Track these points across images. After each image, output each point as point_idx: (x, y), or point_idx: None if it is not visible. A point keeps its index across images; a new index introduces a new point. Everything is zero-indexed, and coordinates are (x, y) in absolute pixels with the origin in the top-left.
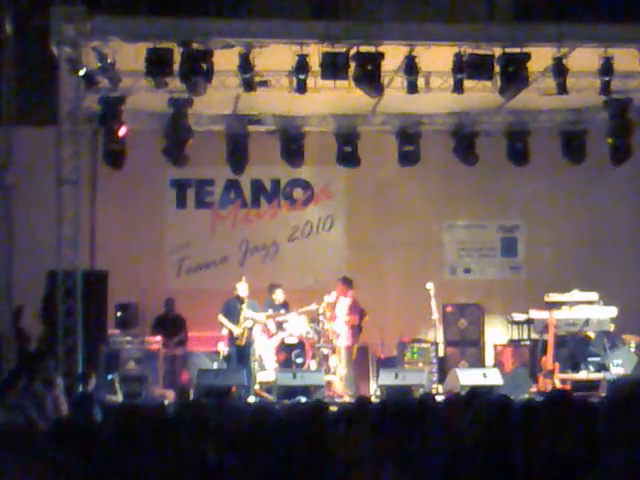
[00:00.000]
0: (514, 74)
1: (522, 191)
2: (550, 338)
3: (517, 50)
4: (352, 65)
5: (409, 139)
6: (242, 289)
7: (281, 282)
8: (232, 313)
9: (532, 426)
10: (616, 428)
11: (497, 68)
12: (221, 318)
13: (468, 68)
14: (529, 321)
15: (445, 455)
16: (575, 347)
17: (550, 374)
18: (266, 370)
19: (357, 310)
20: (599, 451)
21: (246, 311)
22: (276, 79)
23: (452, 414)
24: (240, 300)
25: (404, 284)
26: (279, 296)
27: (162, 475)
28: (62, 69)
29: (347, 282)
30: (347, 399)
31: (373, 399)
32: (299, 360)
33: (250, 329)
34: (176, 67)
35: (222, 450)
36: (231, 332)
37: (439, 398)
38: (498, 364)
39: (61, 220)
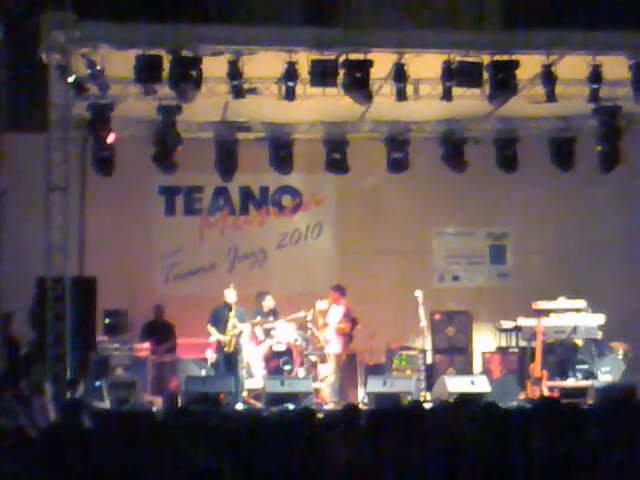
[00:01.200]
0: (503, 81)
1: (511, 198)
2: (538, 345)
3: (506, 57)
4: (341, 72)
5: (398, 146)
6: (230, 296)
7: (269, 289)
8: (220, 321)
9: (524, 432)
10: (609, 433)
11: (486, 75)
12: (209, 328)
13: (457, 75)
14: (517, 328)
15: (440, 460)
16: (563, 354)
17: (538, 381)
18: (254, 377)
19: (350, 318)
20: (593, 453)
21: (233, 319)
22: (265, 86)
23: (442, 420)
24: (228, 307)
25: (392, 291)
26: (268, 303)
27: (153, 479)
28: (52, 76)
29: (340, 290)
30: (332, 406)
31: (361, 406)
32: (287, 367)
33: (238, 336)
34: (165, 74)
35: (211, 456)
36: (219, 340)
37: (427, 405)
38: (486, 371)
39: (50, 226)
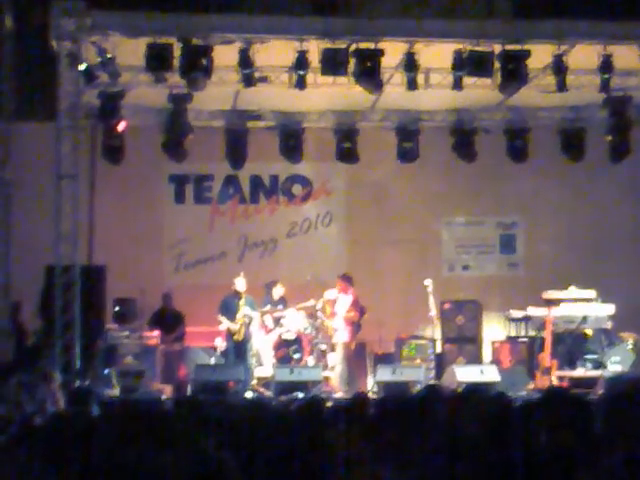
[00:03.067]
0: (514, 71)
1: (521, 188)
2: (548, 335)
3: (517, 47)
4: (352, 61)
5: (408, 136)
6: (240, 284)
7: (279, 278)
8: (230, 310)
9: (530, 422)
10: (614, 425)
11: (497, 65)
12: (220, 318)
13: (468, 65)
14: (527, 318)
15: (444, 452)
16: (573, 344)
17: (547, 371)
18: (263, 366)
19: (358, 307)
20: (597, 448)
21: (244, 308)
22: (276, 75)
23: (451, 410)
24: (238, 295)
25: (402, 280)
26: (278, 291)
27: (160, 470)
28: (62, 64)
29: (348, 279)
30: (341, 395)
31: (370, 395)
32: (297, 356)
33: (248, 325)
34: (176, 62)
35: (219, 446)
36: (229, 328)
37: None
38: (495, 361)
39: (59, 215)
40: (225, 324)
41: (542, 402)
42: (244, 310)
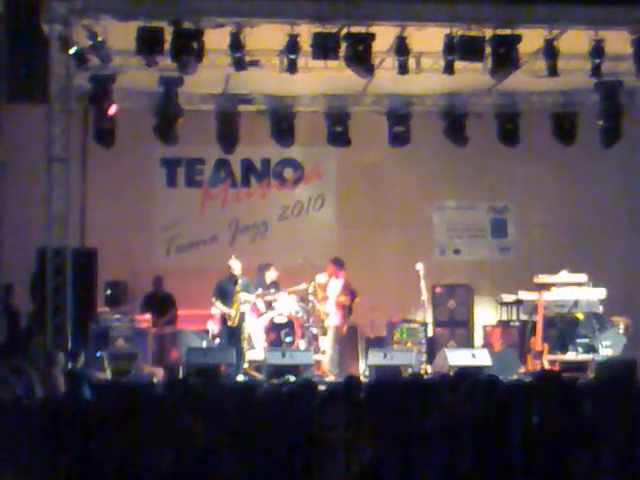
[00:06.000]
0: (505, 56)
1: (512, 172)
2: (539, 319)
3: (508, 32)
4: (343, 45)
5: (400, 120)
6: (236, 267)
7: (271, 261)
8: (225, 293)
9: (522, 405)
10: (608, 409)
11: (488, 49)
12: (217, 304)
13: (459, 49)
14: (518, 302)
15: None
16: (564, 328)
17: (539, 355)
18: (255, 349)
19: (349, 291)
20: (592, 430)
21: (241, 294)
22: (267, 59)
23: (442, 393)
24: (233, 279)
25: (394, 264)
26: (271, 275)
27: (153, 452)
28: (53, 47)
29: (339, 263)
30: (333, 379)
31: (362, 379)
32: (288, 339)
33: (243, 311)
34: (167, 46)
35: (212, 427)
36: (224, 313)
37: (427, 378)
38: (487, 345)
39: (51, 198)
40: (220, 308)
41: (533, 385)
42: (241, 296)
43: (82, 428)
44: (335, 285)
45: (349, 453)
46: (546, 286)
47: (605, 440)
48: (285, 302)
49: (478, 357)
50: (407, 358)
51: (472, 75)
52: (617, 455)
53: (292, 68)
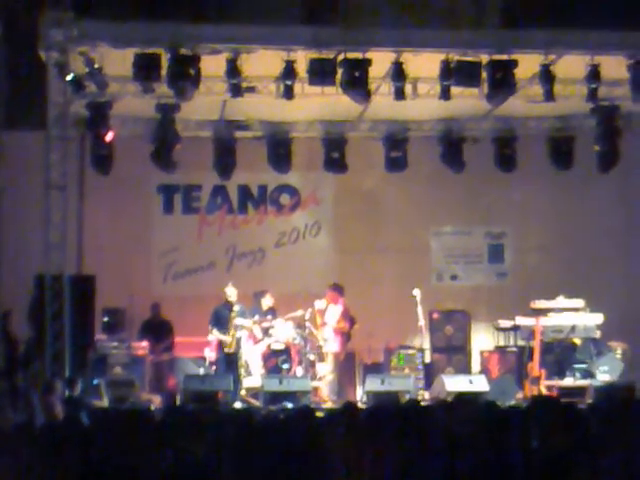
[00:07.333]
0: (501, 81)
1: (509, 197)
2: (536, 345)
3: (504, 57)
4: (340, 71)
5: (396, 145)
6: (232, 294)
7: (268, 288)
8: (221, 320)
9: (519, 429)
10: (608, 432)
11: (484, 75)
12: (213, 331)
13: (455, 75)
14: (515, 328)
15: (438, 459)
16: (561, 354)
17: (536, 381)
18: (252, 376)
19: (348, 317)
20: (592, 451)
21: (237, 319)
22: (263, 85)
23: (440, 419)
24: (229, 305)
25: (391, 290)
26: (267, 302)
27: (151, 477)
28: (50, 74)
29: (338, 289)
30: (330, 405)
31: (359, 405)
32: (285, 366)
33: (239, 338)
34: (164, 72)
35: (209, 455)
36: (221, 340)
37: (425, 404)
38: (484, 370)
39: (49, 224)
40: (217, 335)
41: (530, 409)
42: (237, 322)
43: (79, 455)
44: (334, 311)
45: (350, 477)
46: (543, 311)
47: (605, 464)
48: (282, 329)
49: (475, 383)
50: (405, 384)
51: (469, 100)
52: (617, 479)
53: (289, 94)
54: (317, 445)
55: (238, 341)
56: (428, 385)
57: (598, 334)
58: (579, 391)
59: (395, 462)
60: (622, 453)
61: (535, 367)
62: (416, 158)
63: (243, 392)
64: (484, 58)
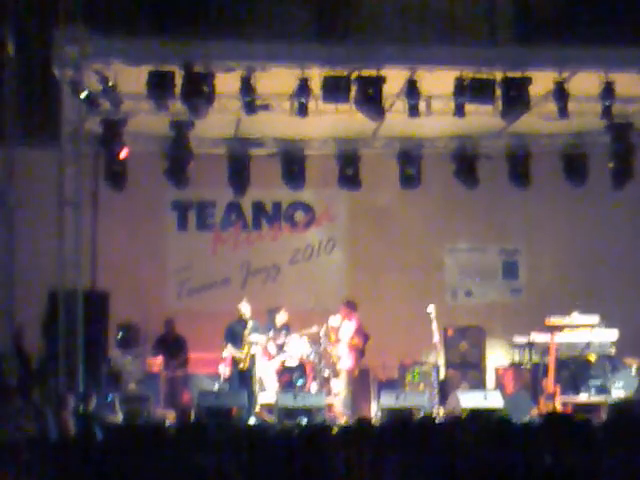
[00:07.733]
0: (515, 98)
1: (523, 214)
2: (551, 361)
3: (518, 74)
4: (353, 88)
5: (410, 162)
6: (246, 310)
7: (282, 304)
8: (235, 337)
9: (534, 444)
10: (620, 450)
11: (498, 92)
12: (228, 347)
13: (469, 92)
14: (530, 344)
15: (447, 474)
16: (576, 370)
17: (551, 397)
18: (266, 392)
19: (362, 334)
20: (602, 471)
21: (251, 335)
22: (277, 102)
23: (454, 434)
24: (243, 321)
25: (405, 307)
26: (281, 318)
27: None
28: (64, 91)
29: (351, 305)
30: (344, 421)
31: (374, 421)
32: (300, 382)
33: (253, 354)
34: (178, 90)
35: (223, 471)
36: (235, 356)
37: (439, 420)
38: (499, 387)
39: (63, 240)
40: (231, 352)
41: (544, 426)
42: (251, 338)
43: (93, 471)
44: (348, 328)
45: None
46: (558, 328)
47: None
48: (296, 345)
49: (490, 399)
50: (419, 400)
51: (483, 117)
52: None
53: (303, 111)
54: (331, 462)
55: (252, 357)
56: (443, 401)
57: (613, 350)
58: (594, 407)
59: (409, 479)
60: (636, 469)
61: (550, 383)
62: (430, 175)
63: (257, 408)
64: (498, 75)
